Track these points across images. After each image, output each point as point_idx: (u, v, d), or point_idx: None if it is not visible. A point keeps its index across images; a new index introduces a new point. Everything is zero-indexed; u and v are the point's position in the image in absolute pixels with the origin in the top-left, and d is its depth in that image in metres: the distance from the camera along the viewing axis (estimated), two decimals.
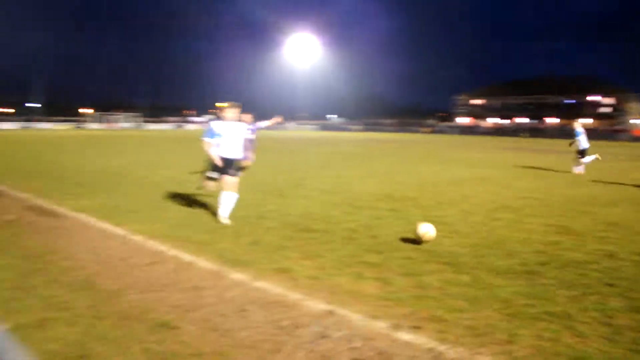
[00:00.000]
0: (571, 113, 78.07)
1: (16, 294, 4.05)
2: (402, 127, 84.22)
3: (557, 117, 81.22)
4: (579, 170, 15.32)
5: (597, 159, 16.08)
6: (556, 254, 5.51)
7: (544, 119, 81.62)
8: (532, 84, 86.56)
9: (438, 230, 6.55)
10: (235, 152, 7.10)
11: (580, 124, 16.00)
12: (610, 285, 4.50)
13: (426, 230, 5.77)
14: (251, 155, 9.23)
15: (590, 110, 79.88)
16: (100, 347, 3.15)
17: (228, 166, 6.99)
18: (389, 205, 8.54)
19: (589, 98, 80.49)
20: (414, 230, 5.87)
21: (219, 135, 7.02)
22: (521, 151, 25.67)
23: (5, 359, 0.98)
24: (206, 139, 7.06)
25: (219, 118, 7.43)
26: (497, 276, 4.69)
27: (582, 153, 15.53)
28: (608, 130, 63.48)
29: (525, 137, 25.05)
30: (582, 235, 6.50)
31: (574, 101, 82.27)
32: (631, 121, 73.23)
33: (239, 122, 7.27)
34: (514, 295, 4.18)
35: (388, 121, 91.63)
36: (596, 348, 3.25)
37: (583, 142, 15.53)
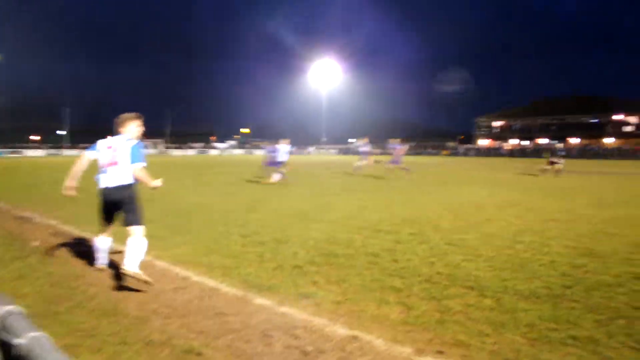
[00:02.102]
0: (594, 132, 77.64)
1: (41, 321, 4.11)
2: (423, 150, 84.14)
3: (580, 137, 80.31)
4: (274, 179, 18.29)
5: (283, 176, 18.55)
6: (581, 277, 5.45)
7: (567, 139, 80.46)
8: (554, 104, 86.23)
9: (460, 254, 6.56)
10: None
11: (285, 142, 19.19)
12: (638, 308, 4.45)
13: None
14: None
15: (613, 129, 78.71)
16: None
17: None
18: (409, 229, 8.54)
19: (614, 117, 79.02)
20: None
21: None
22: (543, 172, 25.35)
23: None
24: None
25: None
26: (521, 300, 4.67)
27: (279, 165, 18.74)
28: (631, 150, 62.94)
29: (547, 157, 25.08)
30: (607, 257, 6.41)
31: (597, 120, 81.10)
32: None
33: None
34: (538, 319, 4.16)
35: (409, 144, 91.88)
36: None
37: (281, 156, 18.76)
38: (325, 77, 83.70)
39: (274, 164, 19.07)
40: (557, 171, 24.16)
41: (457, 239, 7.64)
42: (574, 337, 3.78)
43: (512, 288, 5.04)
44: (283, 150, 19.09)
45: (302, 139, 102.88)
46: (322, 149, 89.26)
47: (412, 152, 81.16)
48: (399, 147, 22.96)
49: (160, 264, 6.16)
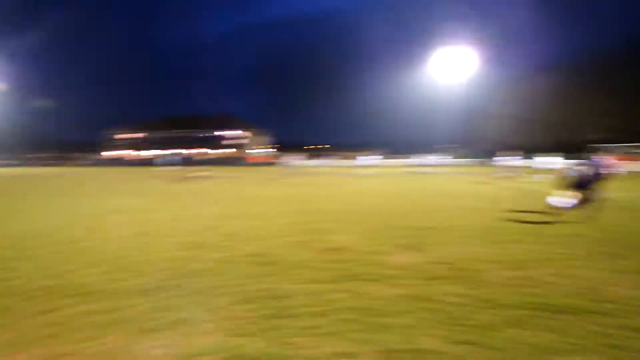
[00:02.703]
0: (211, 145, 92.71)
1: None
2: (57, 161, 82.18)
3: (201, 148, 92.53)
4: None
5: None
6: (182, 267, 6.23)
7: (192, 150, 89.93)
8: (180, 121, 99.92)
9: (74, 263, 6.36)
10: None
11: None
12: (241, 284, 5.40)
13: None
14: None
15: (222, 142, 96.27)
16: None
17: None
18: (30, 242, 7.89)
19: (216, 133, 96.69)
20: None
21: None
22: (168, 179, 27.10)
23: None
24: None
25: None
26: (131, 297, 5.04)
27: None
28: (235, 158, 77.71)
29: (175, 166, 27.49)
30: (205, 247, 7.48)
31: (212, 135, 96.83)
32: (247, 150, 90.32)
33: None
34: (147, 311, 4.60)
35: (44, 155, 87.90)
36: (219, 340, 3.95)
37: None
38: None
39: None
40: (201, 178, 26.85)
41: (74, 247, 7.52)
42: (178, 320, 4.36)
43: (124, 288, 5.37)
44: None
45: None
46: None
47: (50, 163, 76.95)
48: None
49: None
